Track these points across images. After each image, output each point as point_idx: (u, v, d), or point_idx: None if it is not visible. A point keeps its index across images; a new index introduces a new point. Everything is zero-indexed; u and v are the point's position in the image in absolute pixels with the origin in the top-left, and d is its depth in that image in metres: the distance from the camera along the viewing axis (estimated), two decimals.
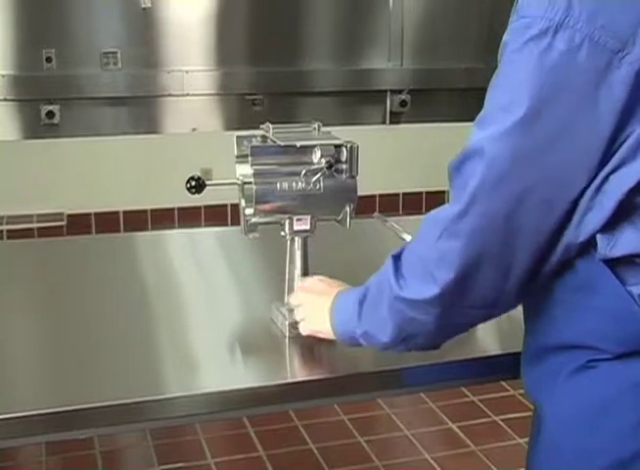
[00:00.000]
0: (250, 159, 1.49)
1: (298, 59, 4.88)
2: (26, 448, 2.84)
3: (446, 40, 5.03)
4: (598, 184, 1.04)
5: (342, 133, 1.55)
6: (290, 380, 1.42)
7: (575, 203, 1.05)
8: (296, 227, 1.52)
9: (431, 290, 1.12)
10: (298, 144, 1.49)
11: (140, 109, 4.72)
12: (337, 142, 1.51)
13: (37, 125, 4.53)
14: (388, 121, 5.09)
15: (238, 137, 1.56)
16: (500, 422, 3.09)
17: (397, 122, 5.10)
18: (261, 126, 1.57)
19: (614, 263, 1.08)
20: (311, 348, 1.48)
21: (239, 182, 1.51)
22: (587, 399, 1.11)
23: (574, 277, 1.11)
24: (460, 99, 4.95)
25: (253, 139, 1.56)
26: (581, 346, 1.11)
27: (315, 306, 1.40)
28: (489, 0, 4.97)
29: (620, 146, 1.02)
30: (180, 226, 4.90)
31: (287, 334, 1.51)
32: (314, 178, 1.49)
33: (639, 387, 1.08)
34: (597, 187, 1.04)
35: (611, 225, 1.06)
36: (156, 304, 1.74)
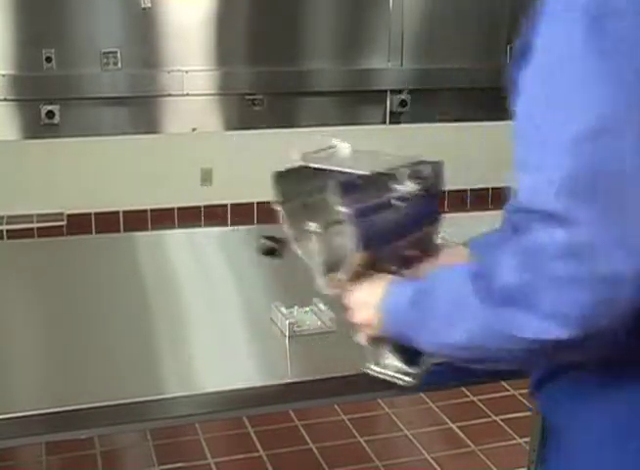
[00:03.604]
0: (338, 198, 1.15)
1: (298, 59, 4.88)
2: (26, 448, 2.84)
3: (446, 40, 5.03)
4: None
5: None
6: (290, 380, 1.42)
7: None
8: None
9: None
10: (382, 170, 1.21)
11: (140, 109, 4.72)
12: (419, 160, 1.26)
13: (37, 125, 4.53)
14: (387, 121, 5.09)
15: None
16: (500, 422, 3.09)
17: (397, 122, 5.10)
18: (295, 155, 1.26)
19: None
20: (311, 348, 1.48)
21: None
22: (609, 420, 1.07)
23: None
24: (460, 99, 4.93)
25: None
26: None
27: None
28: (489, 0, 4.97)
29: None
30: (180, 226, 4.89)
31: (287, 334, 1.51)
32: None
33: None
34: None
35: None
36: (156, 304, 1.74)
